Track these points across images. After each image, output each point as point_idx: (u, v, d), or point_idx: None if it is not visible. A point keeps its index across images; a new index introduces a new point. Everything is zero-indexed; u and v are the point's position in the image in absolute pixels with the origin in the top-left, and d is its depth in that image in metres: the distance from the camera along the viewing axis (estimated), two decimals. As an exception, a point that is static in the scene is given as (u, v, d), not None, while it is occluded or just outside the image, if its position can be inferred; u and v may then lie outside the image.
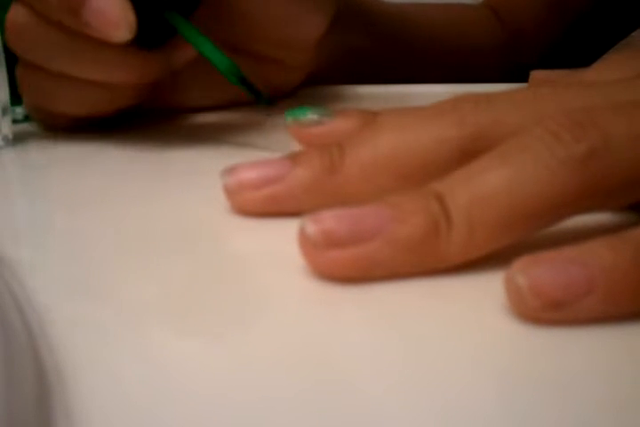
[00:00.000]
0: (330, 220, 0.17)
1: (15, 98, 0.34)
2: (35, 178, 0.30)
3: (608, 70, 0.23)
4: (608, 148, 0.17)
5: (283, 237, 0.19)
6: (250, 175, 0.22)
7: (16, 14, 0.31)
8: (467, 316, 0.16)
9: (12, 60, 0.33)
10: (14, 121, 0.34)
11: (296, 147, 0.25)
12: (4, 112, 0.32)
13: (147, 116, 0.37)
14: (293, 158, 0.22)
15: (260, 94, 0.28)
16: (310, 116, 0.27)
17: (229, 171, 0.22)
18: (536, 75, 0.30)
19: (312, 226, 0.17)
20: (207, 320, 0.16)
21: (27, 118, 0.37)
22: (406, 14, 0.49)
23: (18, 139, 0.33)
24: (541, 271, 0.15)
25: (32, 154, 0.32)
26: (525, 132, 0.18)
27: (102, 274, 0.19)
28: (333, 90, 0.42)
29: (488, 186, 0.17)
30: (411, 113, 0.21)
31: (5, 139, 0.32)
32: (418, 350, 0.15)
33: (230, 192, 0.22)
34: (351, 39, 0.45)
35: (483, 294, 0.17)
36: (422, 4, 0.51)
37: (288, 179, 0.21)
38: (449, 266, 0.18)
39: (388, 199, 0.18)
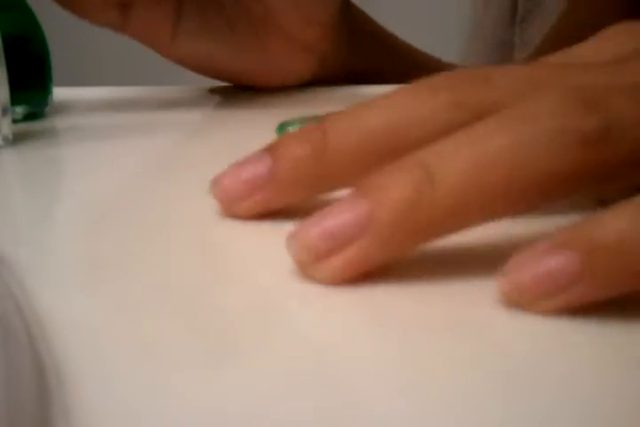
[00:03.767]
0: (308, 236, 0.17)
1: (15, 98, 0.34)
2: (35, 178, 0.30)
3: (605, 45, 0.22)
4: (620, 127, 0.17)
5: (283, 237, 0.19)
6: (234, 184, 0.21)
7: None
8: (466, 318, 0.16)
9: (13, 60, 0.32)
10: (14, 121, 0.34)
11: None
12: (4, 112, 0.32)
13: (147, 116, 0.37)
14: (271, 151, 0.20)
15: None
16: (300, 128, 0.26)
17: (215, 182, 0.21)
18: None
19: (294, 245, 0.17)
20: (208, 321, 0.16)
21: (27, 118, 0.37)
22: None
23: (18, 139, 0.33)
24: (523, 271, 0.15)
25: (32, 154, 0.32)
26: (533, 99, 0.17)
27: (103, 274, 0.19)
28: (334, 90, 0.42)
29: (484, 153, 0.17)
30: (402, 91, 0.20)
31: (5, 139, 0.32)
32: (416, 351, 0.15)
33: (220, 203, 0.21)
34: (361, 56, 0.45)
35: (481, 296, 0.17)
36: None
37: (273, 180, 0.20)
38: (441, 236, 0.17)
39: (363, 186, 0.17)
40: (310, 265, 0.17)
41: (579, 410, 0.13)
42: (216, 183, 0.21)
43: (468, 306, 0.17)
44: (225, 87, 0.44)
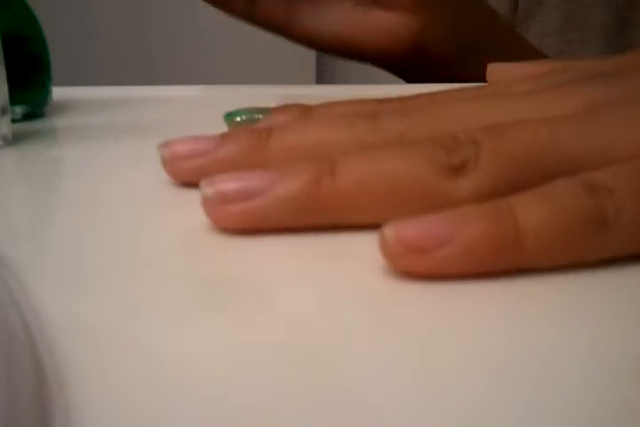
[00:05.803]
0: (220, 182, 0.20)
1: (14, 98, 0.34)
2: (34, 178, 0.30)
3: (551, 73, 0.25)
4: (477, 163, 0.19)
5: (280, 236, 0.19)
6: (182, 148, 0.24)
7: None
8: (465, 325, 0.16)
9: (12, 60, 0.32)
10: (14, 121, 0.34)
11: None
12: (4, 112, 0.32)
13: (147, 117, 0.37)
14: (223, 137, 0.24)
15: None
16: (245, 117, 0.29)
17: (164, 144, 0.24)
18: (492, 68, 0.31)
19: (207, 188, 0.20)
20: (207, 321, 0.16)
21: (26, 118, 0.37)
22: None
23: (18, 139, 0.33)
24: (406, 223, 0.18)
25: (32, 154, 0.32)
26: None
27: (102, 274, 0.19)
28: (335, 90, 0.42)
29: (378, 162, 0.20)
30: (340, 109, 0.26)
31: (5, 139, 0.32)
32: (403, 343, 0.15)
33: (165, 162, 0.25)
34: (463, 24, 0.48)
35: (481, 305, 0.17)
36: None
37: (215, 152, 0.24)
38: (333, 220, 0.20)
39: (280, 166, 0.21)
40: (215, 207, 0.21)
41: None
42: (166, 144, 0.25)
43: (468, 313, 0.17)
44: (225, 87, 0.44)
